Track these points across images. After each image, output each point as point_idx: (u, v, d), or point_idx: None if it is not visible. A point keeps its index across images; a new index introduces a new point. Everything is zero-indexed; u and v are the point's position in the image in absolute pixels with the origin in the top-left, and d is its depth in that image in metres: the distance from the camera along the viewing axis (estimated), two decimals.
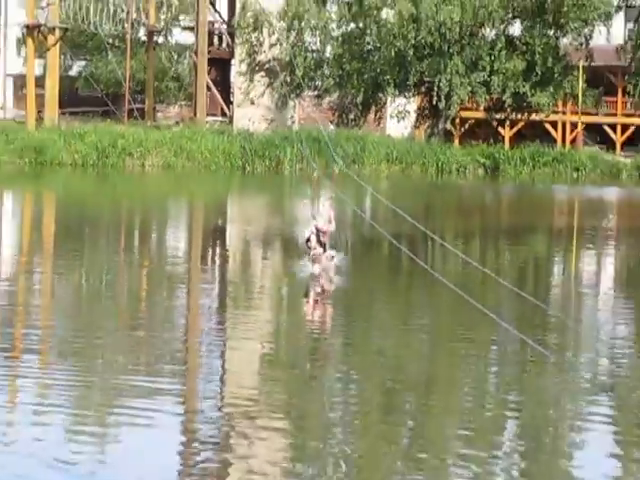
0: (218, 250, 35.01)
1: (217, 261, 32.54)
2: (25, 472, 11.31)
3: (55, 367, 16.57)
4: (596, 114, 75.47)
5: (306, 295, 23.03)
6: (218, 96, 75.81)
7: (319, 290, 23.24)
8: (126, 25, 77.29)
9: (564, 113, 74.46)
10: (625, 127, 74.40)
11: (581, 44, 71.90)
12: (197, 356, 18.37)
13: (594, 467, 12.36)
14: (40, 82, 69.15)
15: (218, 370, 17.74)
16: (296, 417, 14.33)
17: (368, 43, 71.25)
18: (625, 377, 17.44)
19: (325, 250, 23.12)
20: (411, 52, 68.43)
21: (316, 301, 22.64)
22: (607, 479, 12.15)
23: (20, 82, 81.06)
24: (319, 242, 23.10)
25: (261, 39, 72.44)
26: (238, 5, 73.11)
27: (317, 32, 72.13)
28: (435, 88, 69.25)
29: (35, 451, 11.97)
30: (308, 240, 23.19)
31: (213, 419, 14.20)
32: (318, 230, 22.95)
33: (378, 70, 70.14)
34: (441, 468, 12.28)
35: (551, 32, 70.86)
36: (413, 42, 68.19)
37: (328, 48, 72.80)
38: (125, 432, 13.34)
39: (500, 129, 74.35)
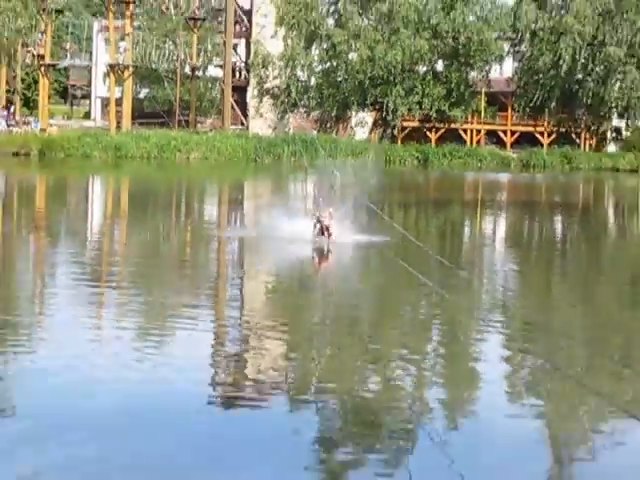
0: (238, 213, 38.41)
1: (238, 221, 35.05)
2: (109, 369, 12.44)
3: (125, 289, 18.48)
4: (493, 124, 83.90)
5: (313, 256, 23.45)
6: (238, 112, 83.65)
7: (319, 252, 23.33)
8: (176, 64, 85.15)
9: (472, 123, 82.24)
10: (513, 132, 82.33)
11: (483, 76, 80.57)
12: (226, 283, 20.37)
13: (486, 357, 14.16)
14: (119, 102, 76.49)
15: (238, 297, 19.03)
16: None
17: (339, 76, 77.95)
18: (512, 299, 19.60)
19: (328, 235, 23.11)
20: (368, 82, 77.19)
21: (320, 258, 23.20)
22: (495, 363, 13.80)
23: (105, 102, 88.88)
24: (322, 232, 23.09)
25: (267, 73, 79.58)
26: (252, 50, 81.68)
27: (305, 68, 79.12)
28: (384, 106, 78.12)
29: (117, 352, 13.37)
30: (315, 228, 23.27)
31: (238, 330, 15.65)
32: (322, 225, 23.05)
33: (346, 94, 78.43)
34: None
35: (463, 68, 78.27)
36: (369, 75, 75.96)
37: (312, 79, 79.77)
38: (172, 338, 14.65)
39: (428, 134, 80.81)
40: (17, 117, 77.11)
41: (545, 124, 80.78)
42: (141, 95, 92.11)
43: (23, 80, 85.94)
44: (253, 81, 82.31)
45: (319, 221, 23.05)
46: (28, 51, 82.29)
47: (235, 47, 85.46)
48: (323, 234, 23.03)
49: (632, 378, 13.14)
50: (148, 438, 9.97)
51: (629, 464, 9.85)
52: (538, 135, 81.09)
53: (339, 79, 78.66)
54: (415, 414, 11.02)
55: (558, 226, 37.74)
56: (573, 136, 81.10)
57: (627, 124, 80.00)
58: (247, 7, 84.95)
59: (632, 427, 10.94)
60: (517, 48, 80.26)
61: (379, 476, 9.21)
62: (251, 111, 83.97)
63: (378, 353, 14.00)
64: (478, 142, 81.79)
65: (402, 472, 9.25)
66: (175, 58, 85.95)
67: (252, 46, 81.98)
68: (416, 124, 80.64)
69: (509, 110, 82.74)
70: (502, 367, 13.57)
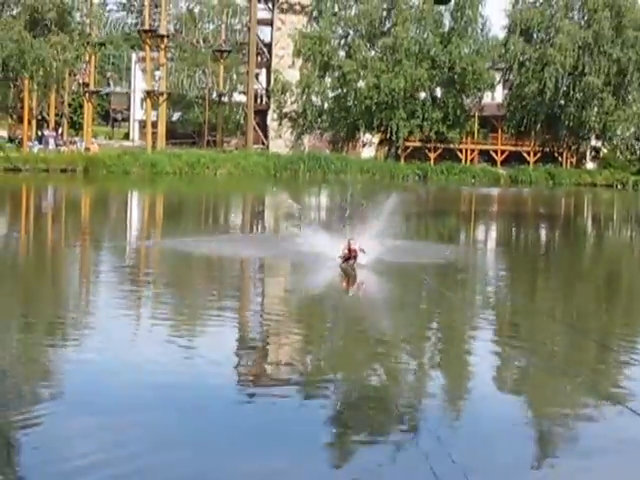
0: (259, 220, 39.62)
1: (259, 228, 36.34)
2: (145, 348, 13.34)
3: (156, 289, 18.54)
4: (485, 144, 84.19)
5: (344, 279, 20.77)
6: (260, 133, 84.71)
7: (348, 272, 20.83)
8: (205, 90, 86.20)
9: (466, 143, 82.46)
10: (503, 152, 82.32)
11: (476, 102, 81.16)
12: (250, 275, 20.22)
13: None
14: (154, 124, 76.34)
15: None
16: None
17: (349, 101, 78.21)
18: (497, 288, 20.42)
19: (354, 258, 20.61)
20: (374, 107, 77.50)
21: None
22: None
23: (142, 124, 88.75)
24: (347, 259, 20.65)
25: (286, 99, 79.96)
26: (272, 78, 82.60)
27: (319, 94, 79.53)
28: (389, 128, 78.55)
29: (152, 334, 14.38)
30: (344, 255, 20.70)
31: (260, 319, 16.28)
32: (350, 251, 20.43)
33: (355, 117, 79.10)
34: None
35: (458, 95, 78.66)
36: (376, 101, 76.30)
37: (325, 104, 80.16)
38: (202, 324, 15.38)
39: (428, 153, 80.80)
40: (64, 138, 77.56)
41: (531, 144, 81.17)
42: (174, 118, 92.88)
43: (70, 105, 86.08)
44: (273, 106, 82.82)
45: (348, 248, 20.38)
46: (74, 80, 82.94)
47: (257, 76, 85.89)
48: (349, 259, 20.59)
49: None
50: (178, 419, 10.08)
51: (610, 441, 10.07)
52: (525, 154, 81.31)
53: (349, 104, 79.00)
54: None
55: (544, 231, 38.77)
56: (556, 155, 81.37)
57: (604, 144, 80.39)
58: (267, 40, 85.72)
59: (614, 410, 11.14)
60: (506, 77, 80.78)
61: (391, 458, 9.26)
62: (271, 132, 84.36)
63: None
64: (472, 160, 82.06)
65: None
66: (204, 85, 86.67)
67: (272, 75, 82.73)
68: (417, 144, 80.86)
69: (499, 132, 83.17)
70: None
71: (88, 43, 77.12)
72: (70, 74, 78.63)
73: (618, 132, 77.83)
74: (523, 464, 9.25)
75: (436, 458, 9.00)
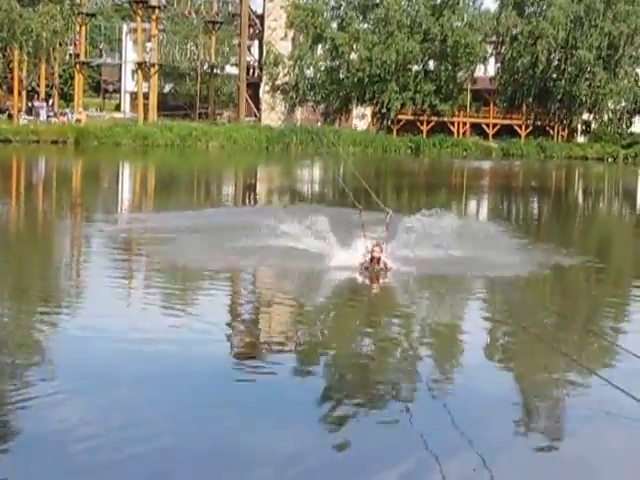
0: (250, 192, 40.11)
1: (251, 200, 36.46)
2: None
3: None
4: (477, 117, 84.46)
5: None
6: (252, 105, 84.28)
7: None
8: (197, 62, 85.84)
9: (459, 116, 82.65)
10: (494, 125, 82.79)
11: (469, 75, 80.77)
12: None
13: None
14: (146, 96, 75.58)
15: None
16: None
17: (341, 74, 78.26)
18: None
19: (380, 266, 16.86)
20: (367, 79, 77.32)
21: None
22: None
23: (134, 96, 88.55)
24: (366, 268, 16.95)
25: (278, 71, 79.81)
26: (264, 51, 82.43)
27: (311, 67, 79.45)
28: (381, 101, 78.64)
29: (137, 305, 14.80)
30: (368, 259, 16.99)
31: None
32: (372, 257, 16.82)
33: (348, 90, 79.06)
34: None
35: (451, 68, 78.47)
36: (368, 73, 76.08)
37: (318, 76, 79.97)
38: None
39: (421, 126, 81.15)
40: (55, 109, 76.89)
41: (523, 118, 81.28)
42: (165, 90, 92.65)
43: (60, 76, 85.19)
44: (265, 78, 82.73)
45: (371, 253, 16.86)
46: (65, 51, 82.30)
47: (249, 48, 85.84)
48: (372, 263, 16.81)
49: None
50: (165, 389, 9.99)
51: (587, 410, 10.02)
52: (516, 127, 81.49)
53: (341, 77, 79.05)
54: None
55: (537, 203, 39.29)
56: (547, 128, 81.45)
57: (595, 118, 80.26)
58: (260, 12, 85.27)
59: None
60: (499, 50, 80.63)
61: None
62: (263, 105, 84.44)
63: None
64: (464, 133, 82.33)
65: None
66: (196, 57, 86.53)
67: (264, 47, 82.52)
68: (410, 117, 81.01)
69: (491, 105, 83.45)
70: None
71: (78, 13, 76.58)
72: (60, 45, 77.93)
73: (609, 106, 77.92)
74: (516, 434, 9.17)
75: (429, 430, 8.93)
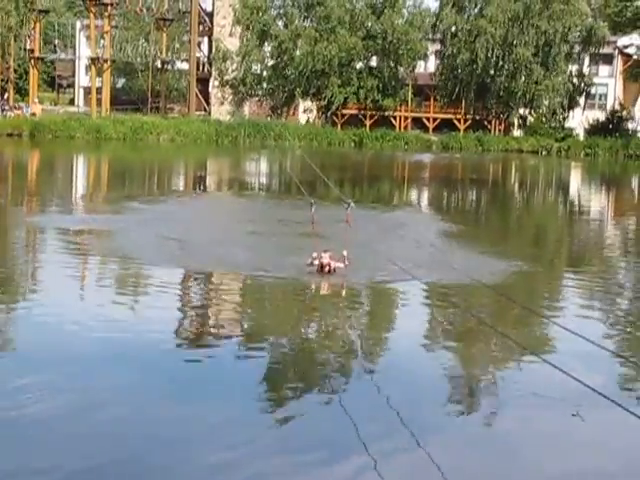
0: (201, 183, 40.54)
1: (202, 189, 37.15)
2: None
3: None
4: (418, 112, 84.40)
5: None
6: (202, 100, 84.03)
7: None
8: (149, 58, 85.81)
9: (400, 111, 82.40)
10: (435, 119, 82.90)
11: (410, 71, 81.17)
12: None
13: None
14: (99, 91, 75.09)
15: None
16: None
17: (287, 69, 77.75)
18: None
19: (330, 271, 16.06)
20: (311, 74, 76.92)
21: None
22: None
23: (87, 91, 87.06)
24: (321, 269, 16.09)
25: (226, 67, 79.58)
26: (214, 47, 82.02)
27: (258, 63, 79.41)
28: (324, 96, 78.37)
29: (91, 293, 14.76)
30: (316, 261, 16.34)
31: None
32: (321, 263, 16.02)
33: (293, 85, 78.56)
34: None
35: (393, 64, 78.70)
36: (312, 69, 75.98)
37: (264, 72, 79.94)
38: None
39: (364, 120, 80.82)
40: (10, 103, 75.98)
41: (462, 112, 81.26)
42: (118, 85, 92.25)
43: (15, 71, 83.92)
44: (214, 73, 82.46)
45: (319, 260, 15.96)
46: (20, 46, 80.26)
47: (199, 44, 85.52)
48: (322, 271, 15.98)
49: None
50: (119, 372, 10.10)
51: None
52: (456, 121, 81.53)
53: (286, 72, 78.43)
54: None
55: (476, 194, 39.79)
56: (485, 123, 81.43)
57: (531, 113, 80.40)
58: (209, 10, 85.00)
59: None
60: (439, 47, 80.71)
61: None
62: (213, 99, 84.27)
63: None
64: (406, 127, 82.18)
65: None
66: (147, 53, 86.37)
67: (214, 43, 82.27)
68: (354, 111, 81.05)
69: (432, 100, 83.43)
70: None
71: (32, 10, 75.48)
72: (15, 40, 76.81)
73: (545, 101, 78.03)
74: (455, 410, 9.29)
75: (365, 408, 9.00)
